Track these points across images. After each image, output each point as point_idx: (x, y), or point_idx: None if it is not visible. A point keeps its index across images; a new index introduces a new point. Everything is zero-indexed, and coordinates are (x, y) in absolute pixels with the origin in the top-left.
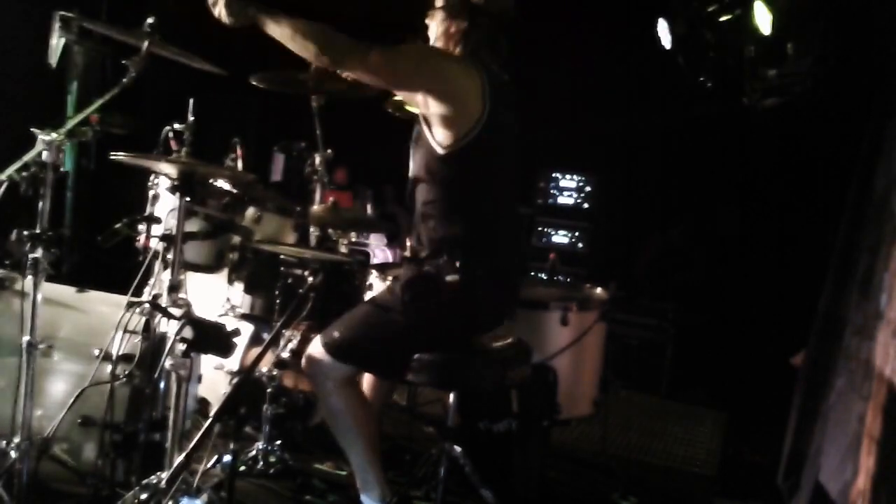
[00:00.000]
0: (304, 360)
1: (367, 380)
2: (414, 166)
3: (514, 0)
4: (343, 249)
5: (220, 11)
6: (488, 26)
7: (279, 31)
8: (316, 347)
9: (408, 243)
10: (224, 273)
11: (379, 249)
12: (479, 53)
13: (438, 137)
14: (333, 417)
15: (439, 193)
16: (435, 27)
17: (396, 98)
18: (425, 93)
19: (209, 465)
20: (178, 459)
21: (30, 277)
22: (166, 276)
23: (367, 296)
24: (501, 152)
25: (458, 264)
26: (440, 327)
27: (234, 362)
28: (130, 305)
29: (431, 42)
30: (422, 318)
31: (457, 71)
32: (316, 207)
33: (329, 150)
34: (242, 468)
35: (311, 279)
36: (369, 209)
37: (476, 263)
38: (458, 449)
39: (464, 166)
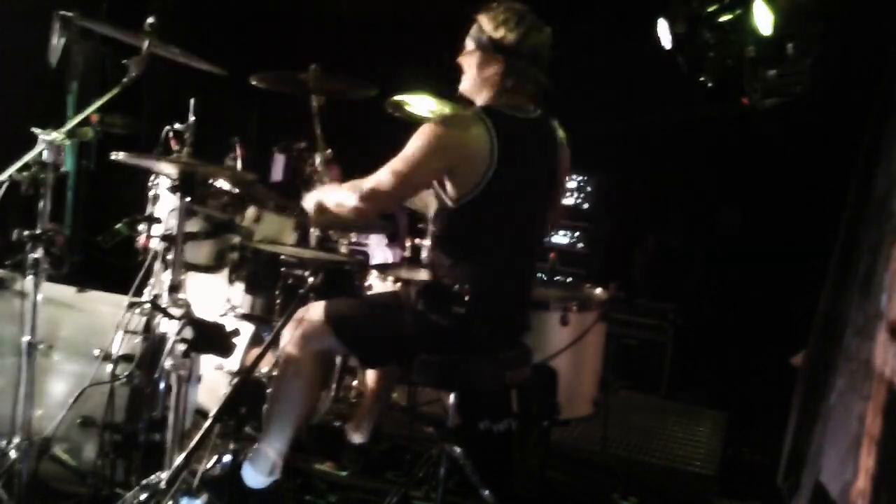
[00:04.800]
0: (295, 320)
1: (370, 376)
2: (435, 206)
3: (549, 34)
4: (343, 249)
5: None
6: (524, 67)
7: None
8: (317, 311)
9: (407, 244)
10: (224, 273)
11: (379, 249)
12: (509, 95)
13: (448, 192)
14: (285, 384)
15: (447, 240)
16: (468, 69)
17: (396, 98)
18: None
19: (209, 465)
20: (178, 459)
21: (30, 277)
22: (166, 276)
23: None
24: (516, 197)
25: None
26: (440, 344)
27: (234, 362)
28: (131, 305)
29: (464, 83)
30: (426, 328)
31: (453, 142)
32: None
33: (329, 150)
34: None
35: (311, 279)
36: None
37: (477, 302)
38: (458, 449)
39: (472, 218)
